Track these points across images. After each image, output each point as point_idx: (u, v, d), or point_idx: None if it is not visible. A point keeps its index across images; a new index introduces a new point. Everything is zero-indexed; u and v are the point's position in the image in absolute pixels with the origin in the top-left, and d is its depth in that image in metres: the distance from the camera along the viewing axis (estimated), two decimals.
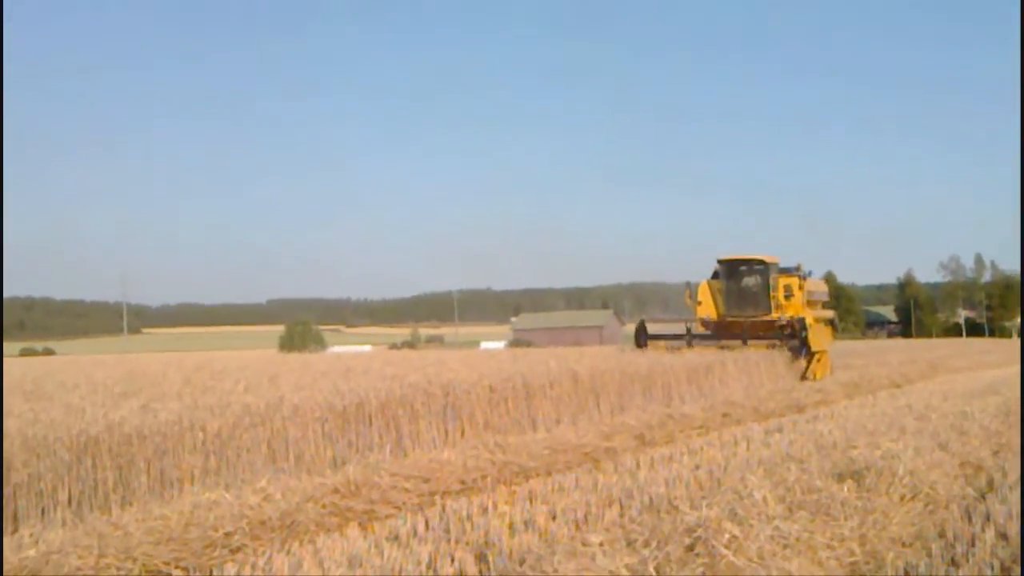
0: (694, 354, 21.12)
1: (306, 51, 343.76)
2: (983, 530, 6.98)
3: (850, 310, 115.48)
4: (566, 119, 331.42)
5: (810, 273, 26.04)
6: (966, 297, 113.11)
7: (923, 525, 7.15)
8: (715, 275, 25.96)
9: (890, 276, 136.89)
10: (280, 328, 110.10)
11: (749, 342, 23.32)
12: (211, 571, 6.48)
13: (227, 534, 7.04)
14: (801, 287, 24.80)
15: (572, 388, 15.67)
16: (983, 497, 8.19)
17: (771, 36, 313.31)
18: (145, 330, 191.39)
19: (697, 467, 9.97)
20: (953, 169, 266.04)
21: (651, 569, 4.85)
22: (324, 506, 8.03)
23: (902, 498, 7.42)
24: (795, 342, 23.32)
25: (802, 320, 23.61)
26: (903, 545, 6.61)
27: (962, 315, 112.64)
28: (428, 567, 6.21)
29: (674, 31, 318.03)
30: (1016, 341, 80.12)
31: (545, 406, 14.89)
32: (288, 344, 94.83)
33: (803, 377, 22.95)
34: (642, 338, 25.49)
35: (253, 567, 6.45)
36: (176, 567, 6.44)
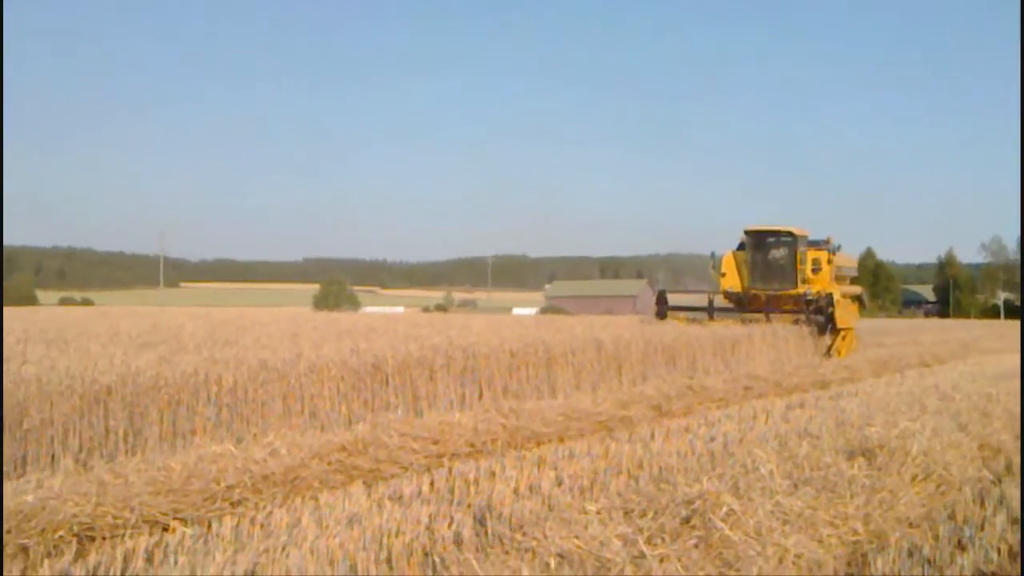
0: (719, 326, 20.79)
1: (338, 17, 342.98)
2: (995, 514, 6.84)
3: (888, 288, 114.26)
4: (601, 89, 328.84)
5: (839, 247, 25.33)
6: (1007, 279, 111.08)
7: (933, 506, 7.01)
8: (741, 246, 25.23)
9: (931, 255, 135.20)
10: (315, 287, 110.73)
11: (772, 316, 22.80)
12: (209, 523, 6.48)
13: (229, 487, 7.05)
14: (830, 261, 24.11)
15: (595, 356, 15.57)
16: (999, 481, 8.03)
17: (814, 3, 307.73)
18: (183, 284, 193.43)
19: (712, 439, 9.86)
20: (998, 149, 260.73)
21: (642, 540, 4.76)
22: (330, 463, 8.02)
23: (913, 478, 7.27)
24: (820, 318, 22.63)
25: (829, 296, 22.87)
26: (910, 526, 6.48)
27: (1001, 297, 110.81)
28: (426, 528, 6.17)
29: None
30: None
31: (566, 373, 14.82)
32: (322, 303, 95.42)
33: (827, 354, 22.32)
34: (662, 308, 24.83)
35: (252, 521, 6.46)
36: (174, 518, 6.45)
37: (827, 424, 10.14)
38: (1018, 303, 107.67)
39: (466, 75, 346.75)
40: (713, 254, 25.77)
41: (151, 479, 6.89)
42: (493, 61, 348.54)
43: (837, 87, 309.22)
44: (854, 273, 27.62)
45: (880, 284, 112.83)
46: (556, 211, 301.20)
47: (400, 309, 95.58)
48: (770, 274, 24.44)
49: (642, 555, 4.58)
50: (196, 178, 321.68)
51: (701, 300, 25.43)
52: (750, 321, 22.33)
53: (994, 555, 5.87)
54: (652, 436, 10.28)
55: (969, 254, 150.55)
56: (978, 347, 31.05)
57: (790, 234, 24.39)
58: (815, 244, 24.64)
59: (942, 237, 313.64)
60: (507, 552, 4.98)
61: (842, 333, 23.25)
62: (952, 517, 6.80)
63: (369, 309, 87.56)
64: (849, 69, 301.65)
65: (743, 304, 24.45)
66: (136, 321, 21.85)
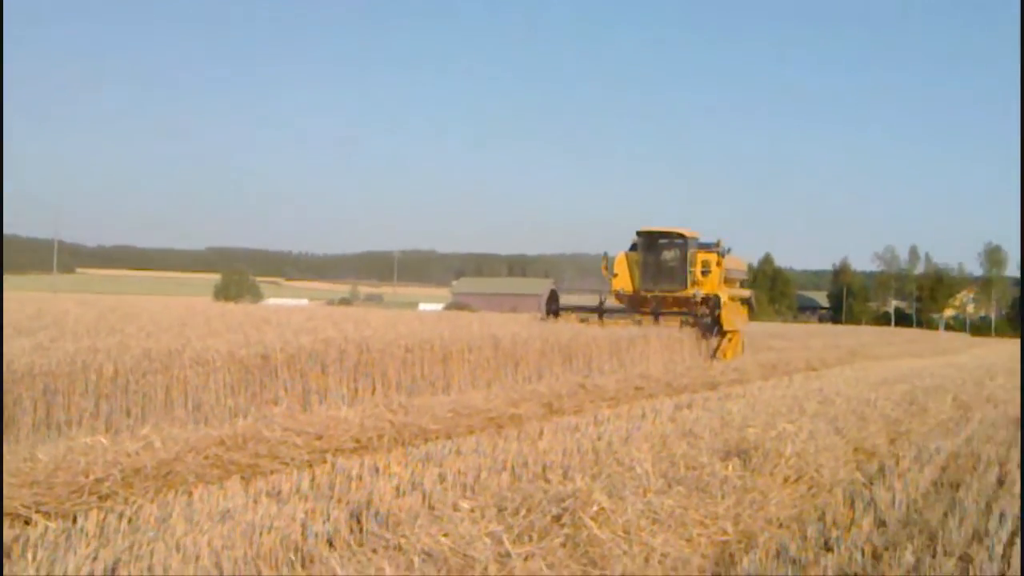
0: (617, 327, 20.91)
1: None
2: (863, 516, 7.05)
3: (784, 293, 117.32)
4: (512, 86, 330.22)
5: (730, 250, 25.41)
6: (898, 287, 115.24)
7: (803, 507, 7.18)
8: (633, 247, 25.22)
9: (826, 263, 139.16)
10: (218, 277, 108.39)
11: (661, 318, 22.81)
12: (75, 517, 6.26)
13: (98, 480, 6.81)
14: (719, 264, 24.19)
15: (492, 353, 15.60)
16: (870, 483, 8.28)
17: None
18: (80, 270, 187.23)
19: (599, 438, 9.95)
20: (893, 161, 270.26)
21: (509, 539, 4.76)
22: (206, 457, 7.82)
23: (785, 479, 7.45)
24: (707, 320, 22.84)
25: (717, 298, 23.05)
26: (779, 526, 6.62)
27: (892, 305, 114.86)
28: (301, 525, 6.07)
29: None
30: (940, 333, 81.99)
31: (462, 370, 14.81)
32: (223, 293, 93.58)
33: (712, 356, 22.47)
34: (552, 307, 24.60)
35: (120, 516, 6.26)
36: (36, 511, 6.21)
37: (711, 424, 10.34)
38: (908, 311, 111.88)
39: (380, 67, 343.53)
40: (606, 254, 25.70)
41: (15, 470, 6.63)
42: (402, 54, 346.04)
43: (741, 93, 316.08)
44: (744, 276, 27.80)
45: (777, 289, 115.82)
46: (464, 207, 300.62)
47: (304, 301, 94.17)
48: (660, 275, 24.50)
49: (507, 554, 4.58)
50: (95, 160, 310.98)
51: (594, 300, 25.40)
52: (639, 322, 22.29)
53: (858, 556, 6.04)
54: (540, 434, 10.31)
55: (863, 263, 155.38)
56: (865, 353, 32.11)
57: (681, 236, 24.47)
58: (705, 247, 24.73)
59: (838, 246, 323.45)
60: (375, 551, 4.93)
61: (728, 335, 23.47)
62: (821, 518, 6.99)
63: (272, 301, 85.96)
64: (752, 75, 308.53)
65: (634, 305, 24.43)
66: (21, 307, 21.02)
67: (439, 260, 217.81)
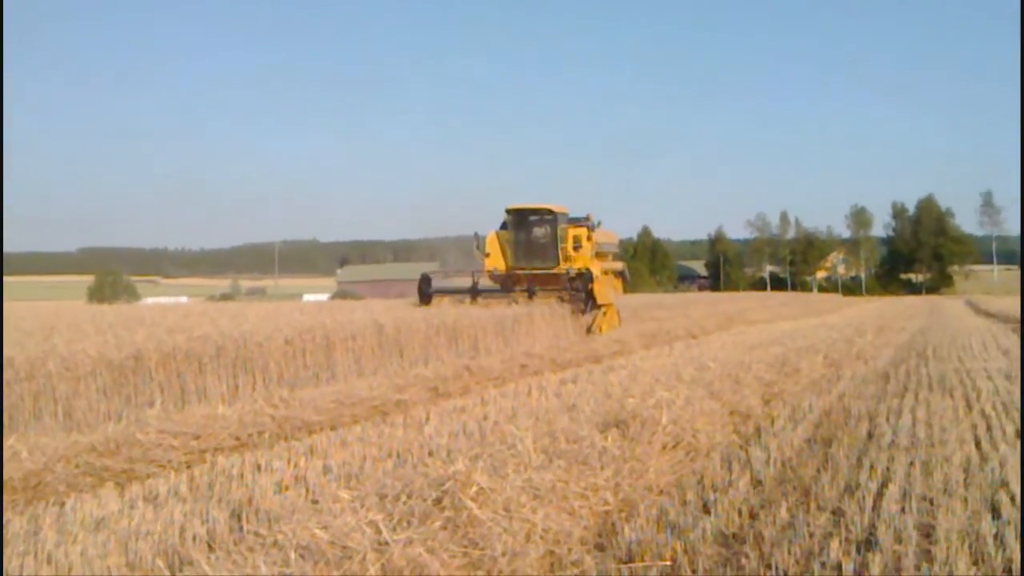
0: (503, 306, 20.83)
1: None
2: (739, 477, 7.27)
3: (664, 264, 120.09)
4: (388, 66, 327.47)
5: (599, 223, 25.41)
6: (771, 253, 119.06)
7: (682, 473, 7.37)
8: (504, 226, 24.87)
9: (703, 233, 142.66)
10: (90, 278, 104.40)
11: (536, 295, 22.48)
12: None
13: None
14: (590, 238, 24.00)
15: (376, 340, 15.47)
16: (746, 444, 8.56)
17: None
18: None
19: (485, 418, 10.00)
20: (762, 128, 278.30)
21: (387, 526, 4.74)
22: (77, 466, 7.56)
23: (664, 446, 7.62)
24: (581, 295, 22.64)
25: (589, 273, 22.87)
26: (659, 493, 6.78)
27: (767, 270, 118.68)
28: (179, 528, 5.92)
29: None
30: (814, 295, 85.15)
31: (346, 359, 14.65)
32: (98, 295, 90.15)
33: (588, 331, 22.28)
34: (426, 291, 23.70)
35: None
36: None
37: (593, 397, 10.50)
38: (782, 275, 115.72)
39: (245, 53, 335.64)
40: (476, 234, 25.22)
41: None
42: (262, 40, 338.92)
43: (611, 65, 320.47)
44: (615, 249, 27.70)
45: (657, 261, 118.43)
46: (343, 195, 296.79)
47: (184, 299, 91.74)
48: (532, 253, 24.25)
49: (386, 542, 4.56)
50: None
51: (467, 282, 24.60)
52: (515, 301, 21.86)
53: (735, 517, 6.24)
54: (427, 419, 10.30)
55: (736, 230, 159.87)
56: (742, 318, 33.11)
57: (550, 212, 24.23)
58: (575, 221, 24.59)
59: (713, 215, 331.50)
60: (252, 549, 4.84)
61: (603, 309, 23.47)
62: (700, 482, 7.18)
63: (150, 300, 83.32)
64: (623, 46, 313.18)
65: (508, 284, 24.07)
66: None
67: (322, 249, 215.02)
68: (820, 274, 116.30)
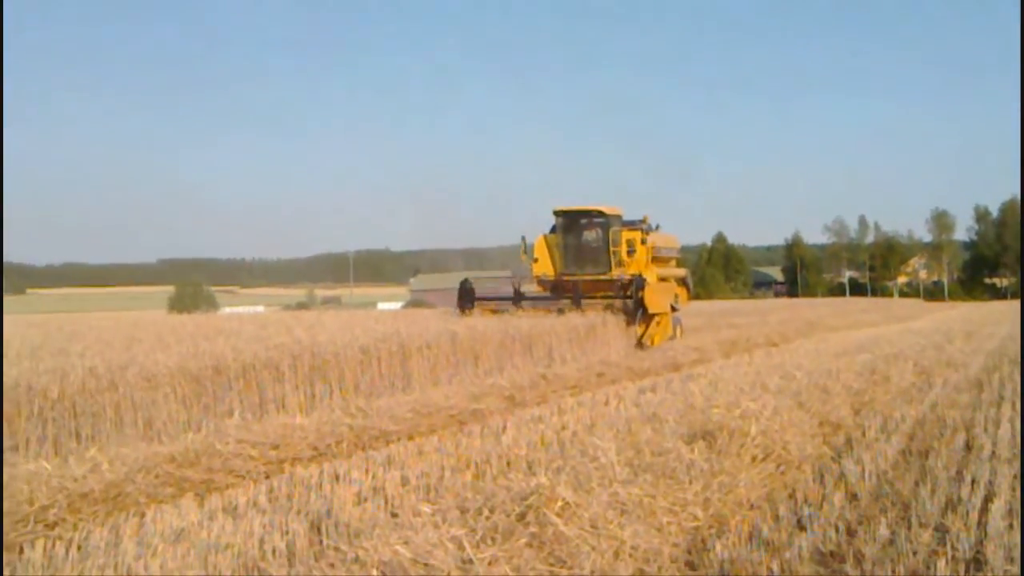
0: (576, 315, 20.00)
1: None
2: (833, 491, 6.96)
3: (739, 271, 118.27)
4: (461, 69, 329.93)
5: (658, 227, 23.88)
6: (850, 258, 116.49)
7: (773, 487, 7.08)
8: (554, 229, 23.34)
9: (779, 238, 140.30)
10: (171, 289, 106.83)
11: (584, 303, 20.96)
12: (21, 548, 5.99)
13: (43, 508, 6.53)
14: (644, 241, 22.29)
15: (450, 349, 15.38)
16: (838, 457, 8.21)
17: None
18: (30, 291, 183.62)
19: (564, 428, 9.81)
20: (839, 131, 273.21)
21: (470, 543, 4.57)
22: (157, 476, 7.55)
23: (753, 459, 7.34)
24: (630, 303, 20.87)
25: (640, 279, 21.07)
26: (750, 507, 6.51)
27: (846, 275, 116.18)
28: (259, 541, 5.84)
29: None
30: (895, 300, 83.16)
31: (422, 367, 14.58)
32: (178, 305, 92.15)
33: (639, 343, 20.61)
34: (467, 301, 22.34)
35: (69, 543, 5.99)
36: None
37: (675, 407, 10.22)
38: (862, 281, 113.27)
39: (317, 60, 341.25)
40: (523, 238, 23.65)
41: None
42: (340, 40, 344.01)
43: (682, 73, 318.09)
44: (676, 254, 25.84)
45: (731, 267, 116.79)
46: (420, 202, 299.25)
47: (260, 308, 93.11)
48: (582, 257, 22.72)
49: (470, 559, 4.39)
50: (37, 176, 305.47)
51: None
52: (561, 311, 20.30)
53: (832, 533, 5.94)
54: (504, 428, 10.15)
55: (814, 235, 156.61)
56: (823, 325, 32.31)
57: (601, 214, 22.60)
58: (630, 224, 22.89)
59: (789, 220, 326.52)
60: (332, 565, 4.72)
61: (657, 319, 21.47)
62: (792, 496, 6.88)
63: (228, 310, 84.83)
64: (694, 53, 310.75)
65: (557, 290, 22.51)
66: None
67: (394, 258, 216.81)
68: (901, 279, 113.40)
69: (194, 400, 10.69)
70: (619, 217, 22.88)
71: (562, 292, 22.17)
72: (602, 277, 22.04)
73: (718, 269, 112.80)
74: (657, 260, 23.17)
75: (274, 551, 5.54)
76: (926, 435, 9.34)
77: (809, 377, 12.49)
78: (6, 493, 6.73)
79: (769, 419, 8.38)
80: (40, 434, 9.15)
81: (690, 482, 6.39)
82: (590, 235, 22.82)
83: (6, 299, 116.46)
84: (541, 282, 23.19)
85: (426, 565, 4.40)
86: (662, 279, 22.90)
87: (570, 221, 22.96)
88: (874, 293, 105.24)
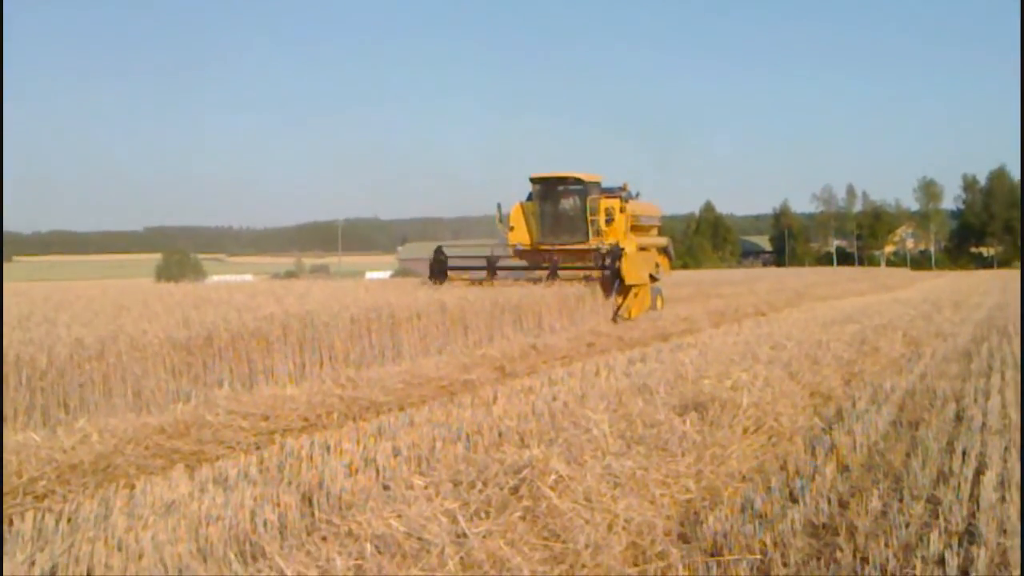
0: (520, 287, 18.93)
1: None
2: (825, 463, 6.97)
3: (727, 239, 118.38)
4: (452, 41, 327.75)
5: (638, 194, 23.09)
6: (838, 227, 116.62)
7: (765, 458, 7.09)
8: (530, 196, 22.48)
9: (767, 207, 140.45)
10: (158, 256, 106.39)
11: (560, 273, 20.16)
12: (11, 520, 5.94)
13: (32, 480, 6.49)
14: (623, 210, 21.42)
15: (440, 319, 15.35)
16: (829, 428, 8.22)
17: None
18: (16, 258, 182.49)
19: (554, 399, 9.79)
20: (826, 99, 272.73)
21: (464, 517, 4.55)
22: (147, 447, 7.51)
23: (745, 431, 7.34)
24: (606, 273, 20.07)
25: (617, 249, 20.18)
26: (742, 479, 6.52)
27: (834, 244, 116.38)
28: (250, 513, 5.80)
29: None
30: (882, 269, 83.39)
31: (412, 337, 14.55)
32: (165, 273, 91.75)
33: (615, 316, 19.72)
34: (440, 270, 21.54)
35: (59, 515, 5.96)
36: None
37: (666, 377, 10.21)
38: (849, 250, 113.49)
39: (306, 30, 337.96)
40: (499, 206, 22.75)
41: None
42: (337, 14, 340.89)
43: (670, 42, 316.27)
44: (657, 223, 24.84)
45: (719, 236, 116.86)
46: (404, 171, 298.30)
47: (249, 277, 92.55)
48: (559, 226, 21.85)
49: (464, 534, 4.37)
50: (20, 143, 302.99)
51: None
52: (536, 281, 19.78)
53: (824, 505, 5.95)
54: (494, 399, 10.12)
55: (802, 204, 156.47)
56: (811, 294, 32.42)
57: (579, 181, 21.73)
58: (609, 192, 22.10)
59: (777, 189, 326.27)
60: (325, 539, 4.69)
61: (634, 290, 20.78)
62: (784, 468, 6.89)
63: (216, 278, 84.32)
64: (685, 17, 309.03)
65: (534, 260, 21.76)
66: None
67: (383, 227, 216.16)
68: (888, 248, 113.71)
69: (183, 370, 10.64)
70: (597, 184, 22.18)
71: (539, 262, 21.49)
72: (580, 247, 21.35)
73: (706, 238, 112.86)
74: (637, 229, 22.51)
75: (266, 523, 5.50)
76: (916, 406, 9.38)
77: (799, 347, 12.52)
78: None
79: (760, 390, 8.40)
80: (28, 404, 9.10)
81: (682, 454, 6.39)
82: (567, 203, 22.04)
83: None
84: (517, 251, 22.43)
85: (420, 539, 4.38)
86: (642, 248, 22.27)
87: (547, 188, 22.19)
88: (861, 262, 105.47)
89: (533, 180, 22.26)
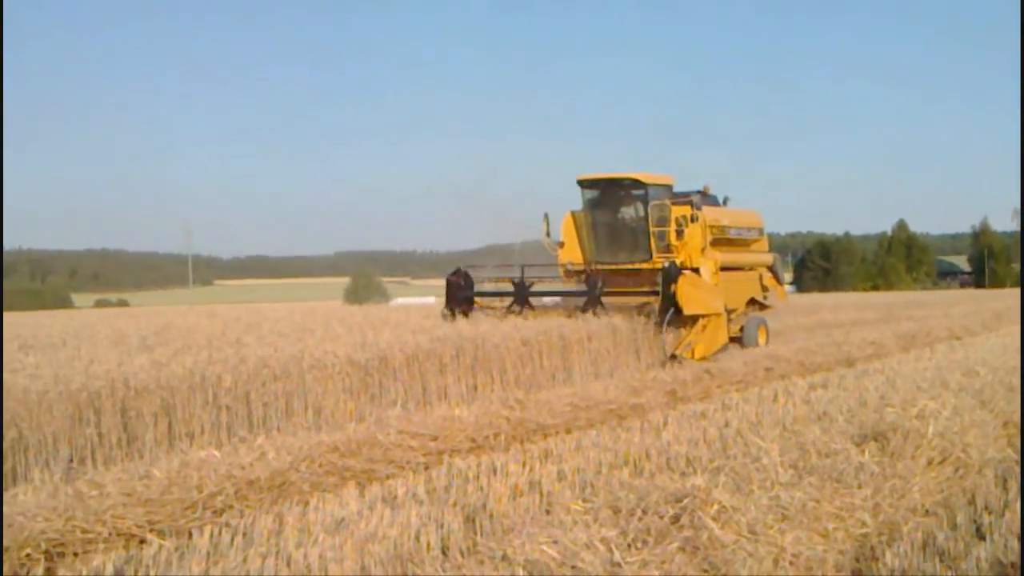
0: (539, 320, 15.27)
1: None
2: (1017, 497, 6.45)
3: (922, 260, 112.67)
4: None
5: (726, 200, 19.12)
6: None
7: (950, 492, 6.63)
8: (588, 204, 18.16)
9: (965, 225, 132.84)
10: (346, 280, 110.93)
11: (604, 300, 16.18)
12: (189, 534, 6.24)
13: (211, 495, 6.78)
14: (694, 219, 16.93)
15: (611, 341, 15.25)
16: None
17: None
18: (217, 282, 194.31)
19: (727, 425, 9.51)
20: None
21: (619, 546, 4.43)
22: (321, 465, 7.74)
23: (929, 462, 6.88)
24: (658, 301, 15.84)
25: (673, 268, 15.63)
26: (924, 514, 6.11)
27: None
28: (415, 533, 5.88)
29: None
30: None
31: (582, 360, 14.54)
32: (353, 296, 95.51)
33: (672, 355, 15.39)
34: (459, 297, 17.56)
35: (235, 530, 6.21)
36: (150, 530, 6.20)
37: (847, 405, 9.76)
38: None
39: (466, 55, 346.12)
40: (546, 215, 18.41)
41: (129, 489, 6.64)
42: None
43: (861, 67, 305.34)
44: (754, 235, 19.87)
45: (913, 256, 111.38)
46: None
47: (431, 299, 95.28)
48: (617, 241, 17.78)
49: (618, 563, 4.26)
50: (222, 175, 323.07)
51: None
52: (569, 315, 15.72)
53: (1015, 543, 5.48)
54: (664, 424, 9.93)
55: (1003, 222, 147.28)
56: (1011, 318, 30.30)
57: (638, 183, 17.29)
58: (682, 197, 17.61)
59: (976, 206, 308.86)
60: (482, 562, 4.68)
61: (702, 322, 15.95)
62: (971, 503, 6.42)
63: (400, 300, 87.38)
64: (872, 40, 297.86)
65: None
66: (148, 322, 21.73)
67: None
68: None
69: (361, 390, 10.99)
70: (666, 188, 17.66)
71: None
72: (643, 265, 17.13)
73: (899, 259, 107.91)
74: (724, 243, 18.13)
75: (428, 545, 5.55)
76: None
77: (993, 374, 11.69)
78: (177, 479, 7.04)
79: (948, 419, 7.86)
80: (214, 422, 9.60)
81: (859, 486, 6.04)
82: (627, 211, 17.81)
83: (196, 290, 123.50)
84: (569, 272, 17.98)
85: (573, 567, 4.30)
86: (730, 268, 18.02)
87: (600, 194, 17.93)
88: None
89: (581, 183, 17.90)
